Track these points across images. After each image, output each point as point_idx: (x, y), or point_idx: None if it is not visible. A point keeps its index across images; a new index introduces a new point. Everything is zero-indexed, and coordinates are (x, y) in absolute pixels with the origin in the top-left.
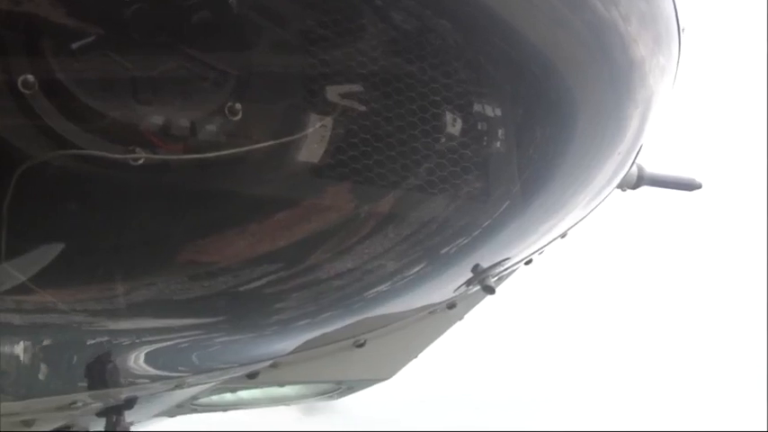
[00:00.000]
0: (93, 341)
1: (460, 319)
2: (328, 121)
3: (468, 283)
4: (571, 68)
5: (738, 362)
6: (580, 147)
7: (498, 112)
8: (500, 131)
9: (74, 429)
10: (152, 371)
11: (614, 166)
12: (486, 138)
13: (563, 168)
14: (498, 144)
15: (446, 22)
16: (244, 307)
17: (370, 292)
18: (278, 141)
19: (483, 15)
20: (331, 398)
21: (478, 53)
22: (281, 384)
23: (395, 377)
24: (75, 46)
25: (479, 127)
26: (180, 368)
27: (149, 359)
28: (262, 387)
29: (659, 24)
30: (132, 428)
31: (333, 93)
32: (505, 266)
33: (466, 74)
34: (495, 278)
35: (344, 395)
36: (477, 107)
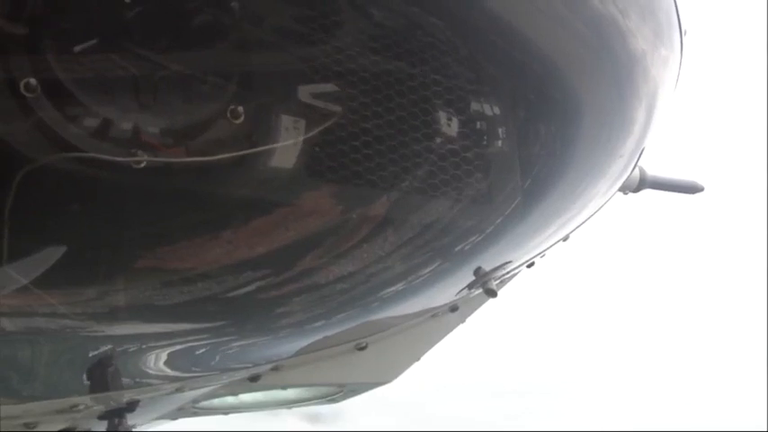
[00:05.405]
0: (94, 344)
1: (463, 321)
2: (329, 123)
3: (471, 286)
4: (573, 66)
5: (738, 362)
6: (584, 147)
7: (500, 114)
8: (503, 134)
9: None
10: (154, 374)
11: (617, 169)
12: (488, 140)
13: (566, 171)
14: (501, 147)
15: (441, 22)
16: (247, 310)
17: (373, 295)
18: (281, 144)
19: (482, 15)
20: (333, 401)
21: (478, 53)
22: (283, 387)
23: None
24: (77, 49)
25: (481, 129)
26: (182, 371)
27: (151, 362)
28: (264, 390)
29: (659, 17)
30: (134, 431)
31: (333, 96)
32: (508, 269)
33: (466, 75)
34: (498, 281)
35: (346, 398)
36: (478, 109)
